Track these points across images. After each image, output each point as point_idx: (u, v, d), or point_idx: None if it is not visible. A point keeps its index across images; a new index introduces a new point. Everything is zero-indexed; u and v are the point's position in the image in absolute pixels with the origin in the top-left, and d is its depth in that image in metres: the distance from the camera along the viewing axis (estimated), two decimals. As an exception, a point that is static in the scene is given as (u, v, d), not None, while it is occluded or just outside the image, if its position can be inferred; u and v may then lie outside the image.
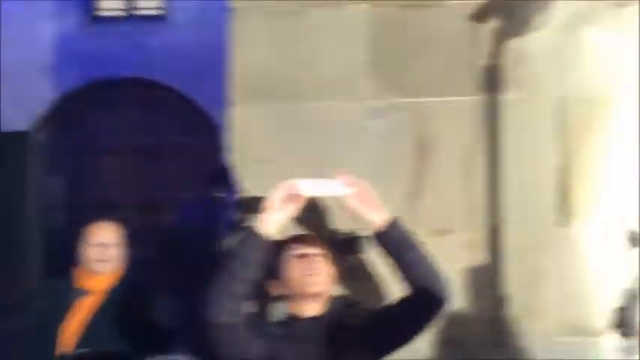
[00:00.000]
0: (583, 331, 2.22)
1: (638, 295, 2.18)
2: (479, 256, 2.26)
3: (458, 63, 2.27)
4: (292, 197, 1.84)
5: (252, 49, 2.21)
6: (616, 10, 2.29)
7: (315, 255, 1.91)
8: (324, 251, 1.94)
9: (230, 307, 1.77)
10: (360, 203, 1.88)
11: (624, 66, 2.30)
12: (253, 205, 1.93)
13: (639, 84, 2.26)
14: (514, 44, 2.27)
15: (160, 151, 5.81)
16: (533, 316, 2.23)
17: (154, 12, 7.18)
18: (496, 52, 2.27)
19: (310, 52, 2.22)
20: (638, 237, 2.21)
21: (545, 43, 2.27)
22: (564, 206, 2.27)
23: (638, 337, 2.16)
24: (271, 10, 2.21)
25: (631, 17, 2.27)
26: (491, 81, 2.27)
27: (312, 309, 1.89)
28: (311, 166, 2.13)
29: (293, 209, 1.84)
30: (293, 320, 1.90)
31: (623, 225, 2.25)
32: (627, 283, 2.22)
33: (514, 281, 2.25)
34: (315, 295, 1.89)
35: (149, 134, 5.91)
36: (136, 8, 7.23)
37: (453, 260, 2.20)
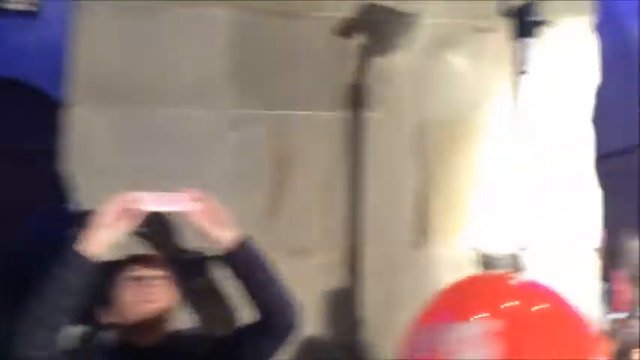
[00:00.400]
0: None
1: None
2: (336, 278, 2.19)
3: (322, 77, 2.21)
4: (128, 212, 1.67)
5: (97, 48, 2.02)
6: (478, 35, 2.33)
7: (154, 278, 1.75)
8: (166, 273, 1.79)
9: (43, 339, 1.57)
10: (207, 220, 1.76)
11: (485, 91, 2.34)
12: (89, 220, 1.75)
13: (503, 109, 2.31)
14: (379, 63, 2.24)
15: (15, 155, 5.38)
16: (388, 340, 2.18)
17: (23, 7, 6.70)
18: (361, 69, 2.23)
19: (163, 55, 2.06)
20: (490, 260, 2.23)
21: (408, 65, 2.26)
22: (421, 228, 2.26)
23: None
24: (121, 6, 2.03)
25: (493, 43, 2.30)
26: (355, 98, 2.23)
27: (148, 338, 1.73)
28: (159, 178, 1.97)
29: (127, 225, 1.68)
30: (125, 351, 1.72)
31: (477, 248, 2.27)
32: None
33: (371, 304, 2.20)
34: (152, 323, 1.73)
35: (3, 137, 5.47)
36: (3, 1, 6.72)
37: (309, 282, 2.12)
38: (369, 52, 2.22)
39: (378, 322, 2.20)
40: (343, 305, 2.18)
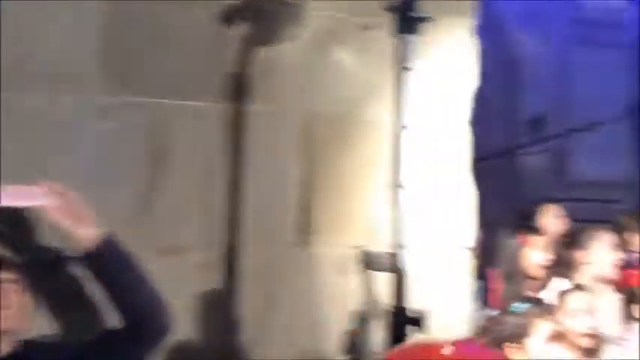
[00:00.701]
0: (314, 356, 2.16)
1: (368, 318, 2.18)
2: (213, 278, 2.08)
3: (203, 65, 2.09)
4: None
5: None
6: (364, 31, 2.30)
7: (4, 281, 1.57)
8: (17, 277, 1.60)
9: None
10: (66, 216, 1.59)
11: (371, 87, 2.32)
12: None
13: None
14: (263, 54, 2.15)
15: None
16: (265, 342, 2.11)
17: None
18: (244, 59, 2.13)
19: (27, 35, 1.84)
20: (371, 258, 2.22)
21: (293, 57, 2.19)
22: (304, 227, 2.20)
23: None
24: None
25: (378, 39, 2.28)
26: (238, 89, 2.13)
27: (-3, 348, 1.54)
28: (15, 169, 1.76)
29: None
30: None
31: (359, 247, 2.24)
32: (359, 306, 2.21)
33: (249, 305, 2.11)
34: (2, 332, 1.55)
35: None
36: None
37: (184, 283, 2.01)
38: (253, 41, 2.13)
39: (257, 323, 2.12)
40: (220, 306, 2.09)
